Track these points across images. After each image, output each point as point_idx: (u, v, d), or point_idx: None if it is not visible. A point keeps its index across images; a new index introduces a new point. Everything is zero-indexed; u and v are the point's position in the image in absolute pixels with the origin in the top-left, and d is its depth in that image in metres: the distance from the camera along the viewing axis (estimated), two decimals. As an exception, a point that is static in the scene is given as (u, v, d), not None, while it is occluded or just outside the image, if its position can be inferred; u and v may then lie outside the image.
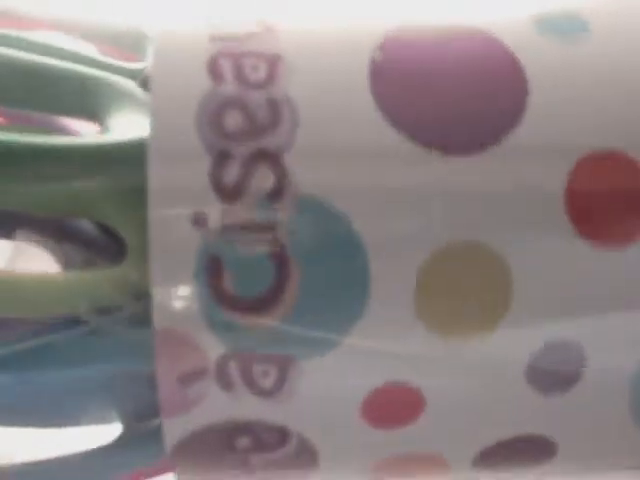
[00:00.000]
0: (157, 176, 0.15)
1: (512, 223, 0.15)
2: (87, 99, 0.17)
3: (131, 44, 0.19)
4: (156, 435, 0.17)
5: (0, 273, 0.15)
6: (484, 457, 0.17)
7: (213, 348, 0.15)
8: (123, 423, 0.17)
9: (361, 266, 0.15)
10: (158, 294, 0.15)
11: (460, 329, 0.15)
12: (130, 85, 0.17)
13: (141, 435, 0.17)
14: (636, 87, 0.16)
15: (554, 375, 0.16)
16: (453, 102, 0.16)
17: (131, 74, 0.18)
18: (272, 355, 0.15)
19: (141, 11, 0.20)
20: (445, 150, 0.15)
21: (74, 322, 0.16)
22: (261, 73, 0.16)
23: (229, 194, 0.15)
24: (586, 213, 0.16)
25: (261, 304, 0.15)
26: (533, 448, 0.17)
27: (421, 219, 0.15)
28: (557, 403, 0.16)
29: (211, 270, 0.15)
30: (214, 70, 0.16)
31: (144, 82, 0.17)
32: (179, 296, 0.15)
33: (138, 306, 0.16)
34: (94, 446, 0.17)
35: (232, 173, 0.15)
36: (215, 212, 0.15)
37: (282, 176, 0.15)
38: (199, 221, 0.15)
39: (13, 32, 0.18)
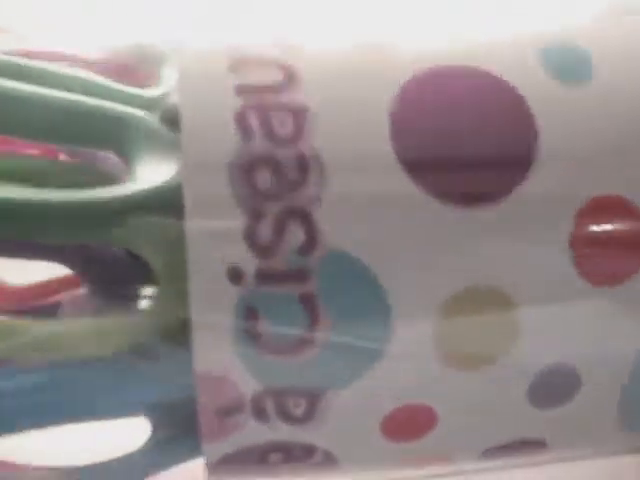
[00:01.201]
0: (194, 233, 0.16)
1: (523, 270, 0.17)
2: (113, 136, 0.18)
3: (143, 61, 0.19)
4: (190, 435, 0.18)
5: (47, 323, 0.16)
6: (486, 455, 0.19)
7: (249, 386, 0.17)
8: (156, 427, 0.19)
9: (384, 313, 0.17)
10: (197, 340, 0.16)
11: (474, 362, 0.17)
12: (154, 123, 0.18)
13: (176, 436, 0.19)
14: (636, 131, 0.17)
15: (551, 394, 0.18)
16: (468, 155, 0.17)
17: (148, 104, 0.18)
18: (303, 388, 0.17)
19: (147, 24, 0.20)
20: (462, 202, 0.17)
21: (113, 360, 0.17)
22: (288, 127, 0.17)
23: (263, 250, 0.16)
24: (588, 255, 0.17)
25: (294, 346, 0.17)
26: (528, 447, 0.19)
27: (440, 269, 0.16)
28: (553, 415, 0.18)
29: (248, 319, 0.16)
30: (243, 125, 0.16)
31: (166, 117, 0.18)
32: (218, 342, 0.16)
33: (174, 346, 0.17)
34: (130, 449, 0.19)
35: (265, 230, 0.16)
36: (250, 267, 0.16)
37: (312, 232, 0.16)
38: (236, 276, 0.16)
39: (34, 64, 0.18)
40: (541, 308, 0.17)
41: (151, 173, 0.17)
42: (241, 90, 0.17)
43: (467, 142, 0.17)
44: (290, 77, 0.17)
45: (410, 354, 0.17)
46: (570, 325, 0.17)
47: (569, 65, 0.18)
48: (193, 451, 0.18)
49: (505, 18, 0.18)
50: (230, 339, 0.16)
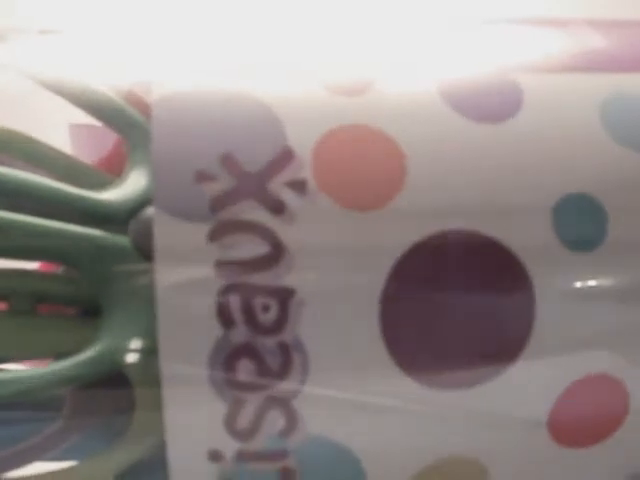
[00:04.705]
0: (172, 417, 0.16)
1: (497, 441, 0.17)
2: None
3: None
4: None
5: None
6: None
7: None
8: None
9: (357, 478, 0.17)
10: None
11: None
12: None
13: None
14: None
15: None
16: (458, 348, 0.16)
17: (119, 211, 0.17)
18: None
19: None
20: (444, 387, 0.16)
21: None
22: (272, 314, 0.16)
23: (243, 436, 0.16)
24: (566, 425, 0.17)
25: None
26: None
27: (407, 444, 0.16)
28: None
29: (227, 488, 0.17)
30: (224, 313, 0.15)
31: (139, 242, 0.16)
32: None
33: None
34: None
35: (245, 418, 0.16)
36: (230, 450, 0.16)
37: (292, 419, 0.16)
38: (215, 457, 0.16)
39: None
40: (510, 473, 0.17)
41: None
42: (222, 267, 0.16)
43: (457, 335, 0.16)
44: (275, 249, 0.16)
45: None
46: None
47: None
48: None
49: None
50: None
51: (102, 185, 0.18)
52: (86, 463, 0.17)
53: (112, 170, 0.19)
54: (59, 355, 0.17)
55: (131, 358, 0.16)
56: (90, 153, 0.20)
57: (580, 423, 0.17)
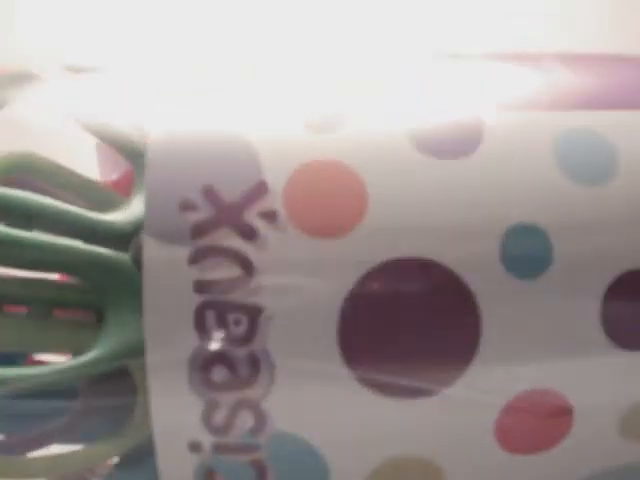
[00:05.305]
0: (158, 411, 0.18)
1: (450, 445, 0.19)
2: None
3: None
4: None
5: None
6: None
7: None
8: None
9: (322, 472, 0.19)
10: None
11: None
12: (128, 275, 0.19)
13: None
14: None
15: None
16: (411, 354, 0.18)
17: (119, 232, 0.19)
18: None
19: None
20: (396, 395, 0.18)
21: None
22: (242, 328, 0.18)
23: (218, 431, 0.18)
24: (511, 432, 0.19)
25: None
26: None
27: (371, 443, 0.19)
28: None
29: (206, 476, 0.19)
30: (201, 325, 0.18)
31: (136, 259, 0.19)
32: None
33: None
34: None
35: (220, 416, 0.18)
36: (207, 442, 0.18)
37: (261, 418, 0.18)
38: (195, 448, 0.19)
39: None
40: (463, 467, 0.19)
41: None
42: (200, 286, 0.18)
43: (410, 340, 0.18)
44: (248, 272, 0.18)
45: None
46: None
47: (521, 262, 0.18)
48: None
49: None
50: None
51: (112, 203, 0.21)
52: (90, 446, 0.20)
53: (124, 190, 0.21)
54: (76, 352, 0.20)
55: (130, 355, 0.19)
56: (112, 170, 0.22)
57: (525, 432, 0.19)
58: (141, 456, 0.20)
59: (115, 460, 0.20)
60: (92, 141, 0.22)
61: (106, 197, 0.20)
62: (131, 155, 0.20)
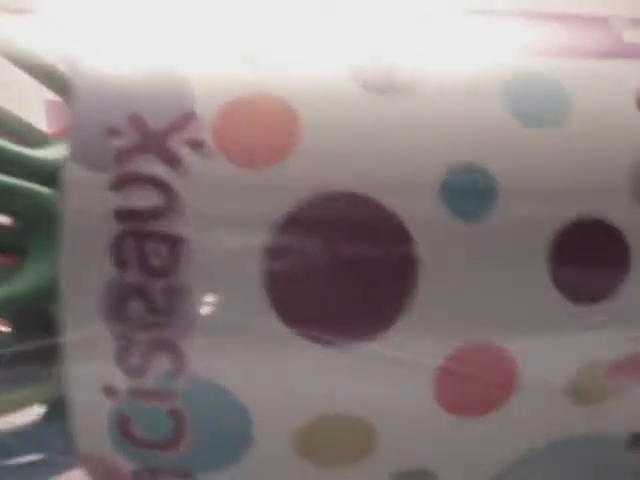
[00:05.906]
0: (70, 349, 0.17)
1: (384, 401, 0.17)
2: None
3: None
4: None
5: None
6: None
7: (127, 466, 0.18)
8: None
9: (244, 425, 0.18)
10: (79, 439, 0.18)
11: (332, 461, 0.18)
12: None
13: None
14: None
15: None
16: (341, 296, 0.17)
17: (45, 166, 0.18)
18: (175, 471, 0.19)
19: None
20: (327, 343, 0.17)
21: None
22: (162, 259, 0.17)
23: (133, 372, 0.17)
24: (453, 393, 0.18)
25: (163, 445, 0.18)
26: None
27: (298, 397, 0.17)
28: None
29: (121, 423, 0.18)
30: (118, 255, 0.17)
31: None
32: (96, 440, 0.18)
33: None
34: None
35: (135, 356, 0.17)
36: (122, 385, 0.17)
37: (179, 361, 0.17)
38: (109, 392, 0.17)
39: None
40: (398, 431, 0.18)
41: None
42: (120, 214, 0.17)
43: (340, 292, 0.17)
44: (171, 201, 0.17)
45: (270, 458, 0.18)
46: (427, 455, 0.18)
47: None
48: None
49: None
50: (107, 437, 0.18)
51: (47, 144, 0.20)
52: (10, 394, 0.19)
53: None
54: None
55: (47, 294, 0.18)
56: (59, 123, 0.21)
57: (467, 391, 0.18)
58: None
59: (41, 411, 0.19)
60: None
61: (41, 138, 0.20)
62: (61, 89, 0.19)
